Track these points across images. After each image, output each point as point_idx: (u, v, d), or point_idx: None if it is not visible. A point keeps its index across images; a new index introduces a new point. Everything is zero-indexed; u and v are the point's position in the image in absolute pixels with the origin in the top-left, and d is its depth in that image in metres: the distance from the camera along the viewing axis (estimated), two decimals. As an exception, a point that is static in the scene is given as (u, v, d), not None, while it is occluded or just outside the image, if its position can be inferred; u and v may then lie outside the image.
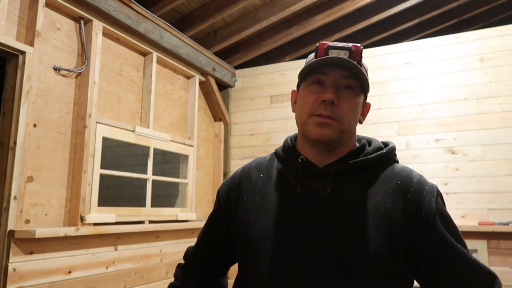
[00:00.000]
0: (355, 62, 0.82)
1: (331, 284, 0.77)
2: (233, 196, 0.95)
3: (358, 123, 0.91)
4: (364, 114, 0.94)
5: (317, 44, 0.87)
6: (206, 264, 1.01)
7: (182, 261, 1.06)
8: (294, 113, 0.93)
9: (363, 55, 0.86)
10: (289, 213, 0.84)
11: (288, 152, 0.93)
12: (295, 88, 0.97)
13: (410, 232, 0.79)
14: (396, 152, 0.94)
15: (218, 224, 0.99)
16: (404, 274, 0.81)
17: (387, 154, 0.89)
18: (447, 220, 0.83)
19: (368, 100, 1.01)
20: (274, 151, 0.99)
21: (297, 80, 0.95)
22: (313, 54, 0.90)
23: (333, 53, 0.84)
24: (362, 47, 0.85)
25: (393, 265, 0.78)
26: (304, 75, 0.89)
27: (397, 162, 0.93)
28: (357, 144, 0.91)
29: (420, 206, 0.81)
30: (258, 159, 1.01)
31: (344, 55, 0.84)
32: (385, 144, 0.93)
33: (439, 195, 0.85)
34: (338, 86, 0.84)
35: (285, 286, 0.79)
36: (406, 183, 0.84)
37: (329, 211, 0.81)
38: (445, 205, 0.87)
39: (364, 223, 0.79)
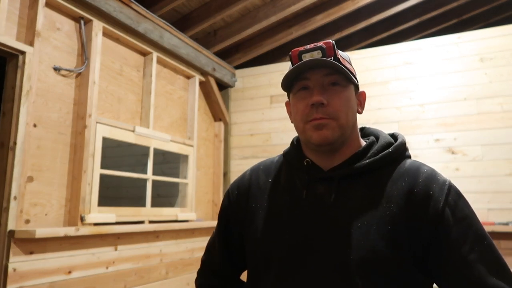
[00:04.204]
0: (329, 59, 0.81)
1: None
2: (243, 200, 0.94)
3: (358, 115, 0.89)
4: (361, 104, 0.91)
5: (290, 53, 0.86)
6: (225, 262, 0.98)
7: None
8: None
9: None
10: (295, 219, 0.83)
11: (293, 155, 0.92)
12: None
13: (415, 236, 0.75)
14: None
15: (229, 222, 0.97)
16: (415, 280, 0.77)
17: (393, 153, 0.84)
18: (459, 220, 0.76)
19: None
20: (282, 152, 0.97)
21: None
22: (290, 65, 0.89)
23: (306, 57, 0.83)
24: (333, 41, 0.84)
25: (399, 272, 0.75)
26: (288, 86, 0.88)
27: (408, 157, 0.88)
28: (364, 142, 0.88)
29: (425, 207, 0.76)
30: (266, 161, 0.99)
31: (317, 55, 0.83)
32: (395, 138, 0.89)
33: (451, 192, 0.78)
34: (323, 85, 0.83)
35: None
36: (411, 183, 0.80)
37: (334, 217, 0.80)
38: (464, 204, 0.79)
39: (368, 230, 0.76)
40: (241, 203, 0.94)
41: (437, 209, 0.76)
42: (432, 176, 0.81)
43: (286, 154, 0.95)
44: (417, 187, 0.79)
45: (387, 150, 0.85)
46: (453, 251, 0.74)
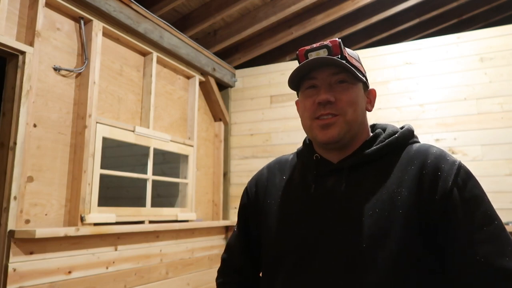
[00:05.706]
0: (335, 57, 0.82)
1: (351, 282, 0.75)
2: (260, 196, 0.96)
3: (368, 112, 0.90)
4: (371, 101, 0.92)
5: (297, 52, 0.87)
6: (247, 260, 1.00)
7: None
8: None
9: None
10: (309, 212, 0.84)
11: (304, 152, 0.94)
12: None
13: (426, 218, 0.75)
14: None
15: (248, 219, 1.00)
16: (431, 264, 0.75)
17: (399, 138, 0.85)
18: (467, 200, 0.74)
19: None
20: (296, 150, 1.00)
21: None
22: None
23: (312, 55, 0.84)
24: (339, 39, 0.84)
25: (414, 256, 0.74)
26: (296, 85, 0.90)
27: (417, 142, 0.88)
28: (371, 134, 0.89)
29: (434, 188, 0.75)
30: (282, 159, 1.01)
31: (323, 53, 0.84)
32: (402, 128, 0.90)
33: (461, 172, 0.76)
34: (331, 84, 0.84)
35: (305, 285, 0.80)
36: (420, 166, 0.79)
37: (345, 207, 0.81)
38: (473, 184, 0.76)
39: (379, 217, 0.76)
40: (259, 199, 0.96)
41: (445, 189, 0.75)
42: (442, 156, 0.80)
43: (299, 152, 0.98)
44: (426, 169, 0.78)
45: (394, 136, 0.85)
46: (458, 231, 0.73)
